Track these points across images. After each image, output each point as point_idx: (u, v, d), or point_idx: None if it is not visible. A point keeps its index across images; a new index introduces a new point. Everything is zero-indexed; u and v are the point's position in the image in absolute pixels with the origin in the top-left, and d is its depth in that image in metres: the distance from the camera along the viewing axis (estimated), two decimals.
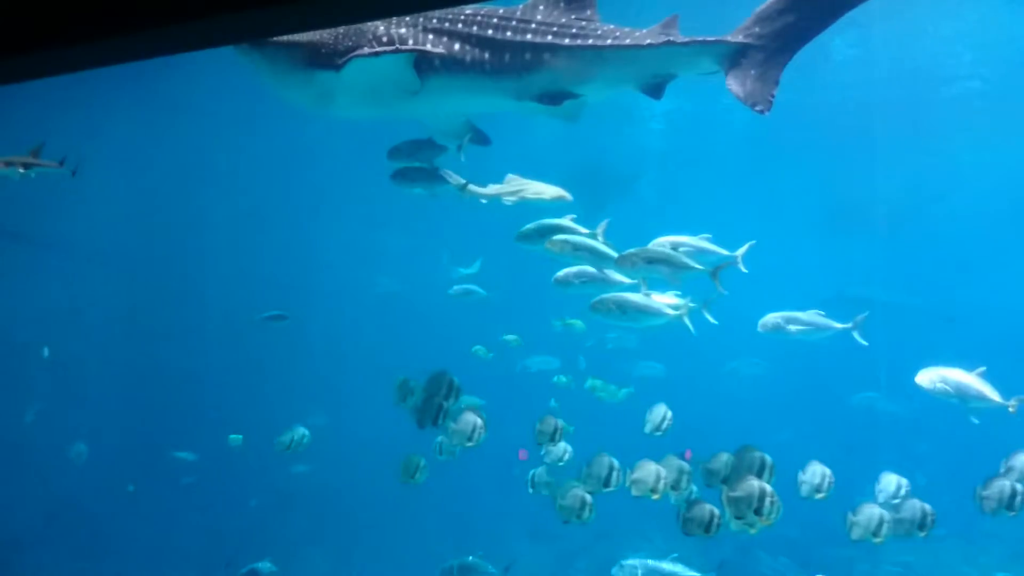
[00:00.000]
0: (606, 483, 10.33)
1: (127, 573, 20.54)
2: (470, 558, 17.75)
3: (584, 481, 10.40)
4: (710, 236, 12.52)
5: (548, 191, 12.04)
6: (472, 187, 11.72)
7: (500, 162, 22.64)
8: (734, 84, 10.06)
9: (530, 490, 13.00)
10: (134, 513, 21.92)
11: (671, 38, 10.24)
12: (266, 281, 26.91)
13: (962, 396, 11.99)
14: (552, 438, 11.21)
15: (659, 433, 11.83)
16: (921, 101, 22.42)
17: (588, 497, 10.34)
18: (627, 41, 10.30)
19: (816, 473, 10.45)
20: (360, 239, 26.98)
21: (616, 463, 10.34)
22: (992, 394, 11.89)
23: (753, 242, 12.54)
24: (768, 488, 9.36)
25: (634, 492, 10.23)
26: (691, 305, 12.06)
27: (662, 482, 10.10)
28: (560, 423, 11.15)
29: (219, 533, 21.67)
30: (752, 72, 10.07)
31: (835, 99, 22.34)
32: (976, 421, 12.13)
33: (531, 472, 13.00)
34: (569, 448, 12.31)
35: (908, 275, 28.13)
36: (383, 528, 22.16)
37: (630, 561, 15.68)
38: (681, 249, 11.86)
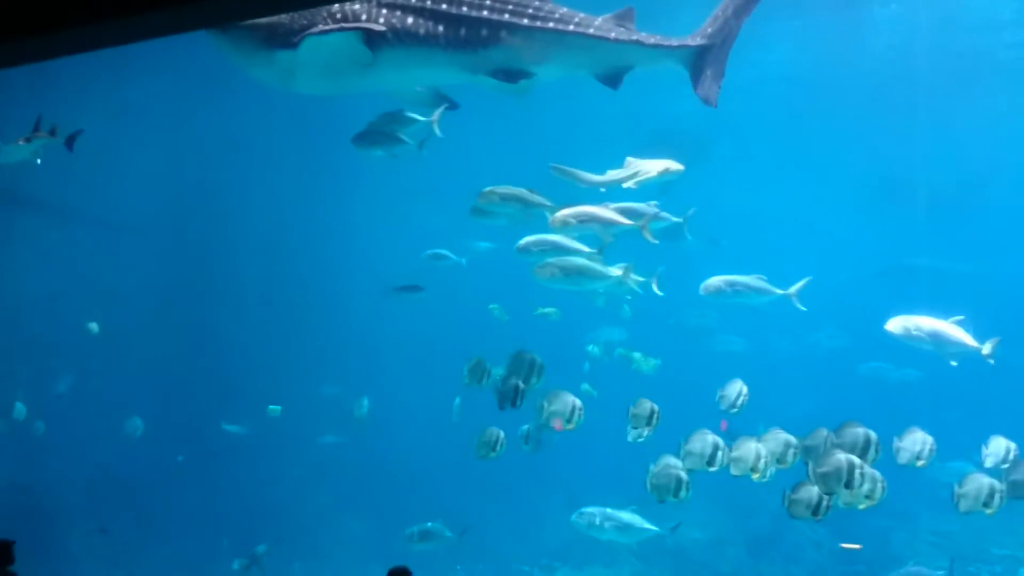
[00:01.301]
0: (710, 462, 9.91)
1: (168, 543, 20.87)
2: (429, 524, 17.83)
3: (684, 459, 9.98)
4: (765, 277, 13.11)
5: (655, 167, 12.13)
6: (588, 175, 11.93)
7: (574, 130, 22.65)
8: (699, 89, 10.67)
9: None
10: (174, 484, 22.25)
11: (639, 38, 10.60)
12: (301, 255, 27.07)
13: (936, 342, 12.03)
14: (649, 422, 10.67)
15: (735, 410, 11.33)
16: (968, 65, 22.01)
17: (684, 475, 9.96)
18: (591, 30, 10.54)
19: (916, 440, 10.00)
20: (394, 211, 26.98)
21: (721, 441, 9.93)
22: (967, 339, 11.98)
23: (809, 278, 13.13)
24: (856, 460, 9.03)
25: (733, 471, 9.86)
26: (633, 275, 12.12)
27: (763, 461, 9.68)
28: (656, 406, 10.71)
29: (256, 503, 21.96)
30: (707, 72, 10.59)
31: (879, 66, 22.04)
32: (954, 364, 12.13)
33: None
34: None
35: (961, 244, 27.61)
36: (419, 496, 22.36)
37: (589, 509, 15.47)
38: (732, 288, 12.40)
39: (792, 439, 9.71)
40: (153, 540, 20.82)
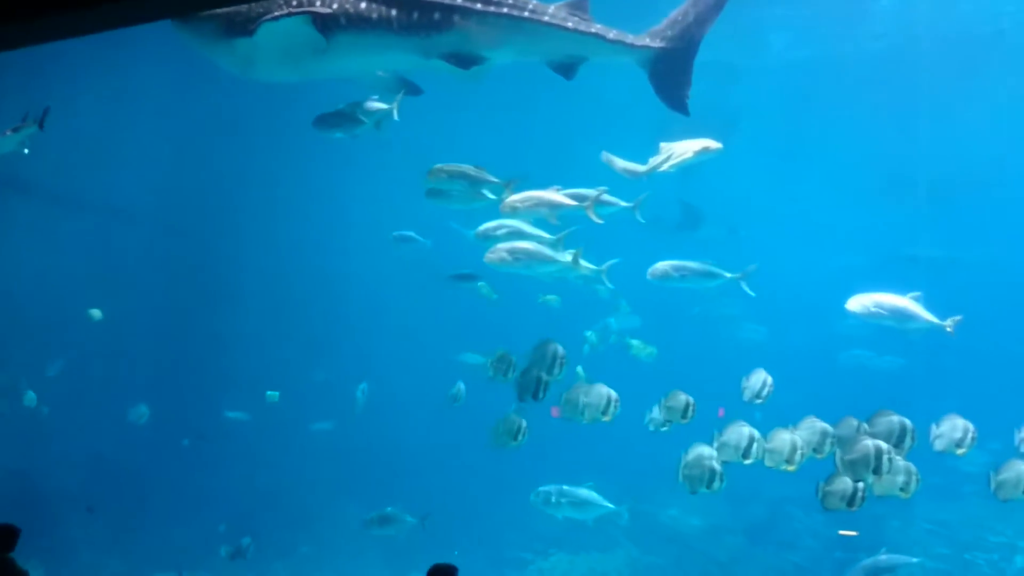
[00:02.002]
0: (745, 454, 9.68)
1: (166, 529, 20.93)
2: (388, 509, 17.89)
3: (719, 450, 9.76)
4: (711, 262, 13.07)
5: (692, 147, 12.14)
6: (634, 166, 11.94)
7: (598, 117, 22.52)
8: (661, 94, 10.78)
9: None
10: (172, 469, 22.28)
11: (598, 31, 10.61)
12: (302, 242, 27.03)
13: (898, 319, 12.09)
14: (684, 414, 10.43)
15: (759, 401, 10.92)
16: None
17: (718, 467, 9.73)
18: (545, 18, 10.51)
19: (956, 427, 9.72)
20: (394, 196, 26.98)
21: (756, 433, 9.72)
22: (927, 315, 12.02)
23: (754, 266, 13.13)
24: (884, 446, 8.87)
25: (768, 463, 9.63)
26: (583, 261, 12.19)
27: (799, 453, 9.42)
28: (691, 399, 10.49)
29: (256, 489, 22.01)
30: (670, 78, 10.69)
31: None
32: (919, 335, 12.24)
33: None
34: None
35: (964, 234, 27.56)
36: (416, 481, 22.42)
37: (546, 487, 15.46)
38: (680, 273, 12.85)
39: (829, 428, 9.46)
40: (151, 525, 20.88)
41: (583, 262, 12.27)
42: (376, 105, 12.02)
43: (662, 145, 12.29)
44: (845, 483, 9.04)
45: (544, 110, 23.13)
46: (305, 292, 26.62)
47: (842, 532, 17.81)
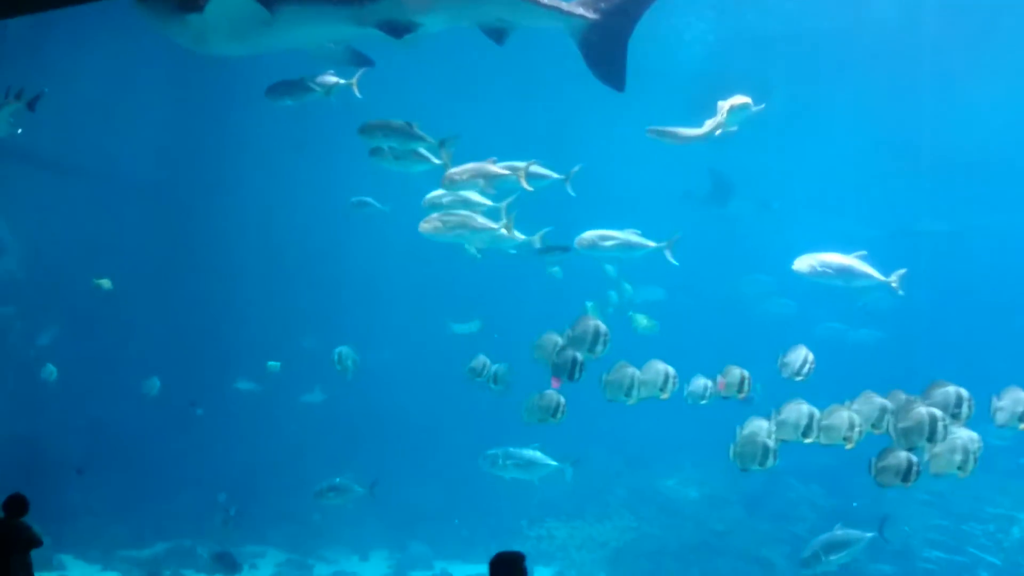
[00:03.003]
0: (805, 433, 9.43)
1: (166, 497, 21.05)
2: (338, 480, 18.06)
3: (778, 428, 9.57)
4: (639, 231, 13.02)
5: (724, 106, 12.08)
6: (686, 131, 11.89)
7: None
8: (592, 67, 10.84)
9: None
10: (173, 438, 22.36)
11: None
12: (302, 213, 26.96)
13: (844, 277, 12.17)
14: (740, 389, 10.31)
15: (799, 379, 10.53)
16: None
17: (772, 443, 9.59)
18: None
19: (1019, 400, 9.39)
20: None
21: (816, 411, 9.49)
22: (873, 272, 12.15)
23: (678, 235, 13.14)
24: (938, 413, 8.74)
25: (824, 440, 9.35)
26: (515, 231, 12.20)
27: (857, 429, 9.19)
28: (747, 373, 10.30)
29: (256, 458, 22.10)
30: (602, 51, 10.67)
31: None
32: (862, 304, 12.36)
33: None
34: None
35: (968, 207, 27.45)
36: (414, 453, 22.52)
37: (492, 450, 15.53)
38: (608, 243, 12.70)
39: (887, 403, 9.22)
40: (152, 493, 20.99)
41: (515, 232, 12.24)
42: (334, 80, 12.16)
43: (719, 104, 12.14)
44: (899, 458, 8.89)
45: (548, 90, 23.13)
46: (301, 262, 26.59)
47: (855, 504, 17.83)
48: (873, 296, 25.51)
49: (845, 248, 13.33)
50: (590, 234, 13.07)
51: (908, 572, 17.08)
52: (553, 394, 10.79)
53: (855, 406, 9.33)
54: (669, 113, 13.47)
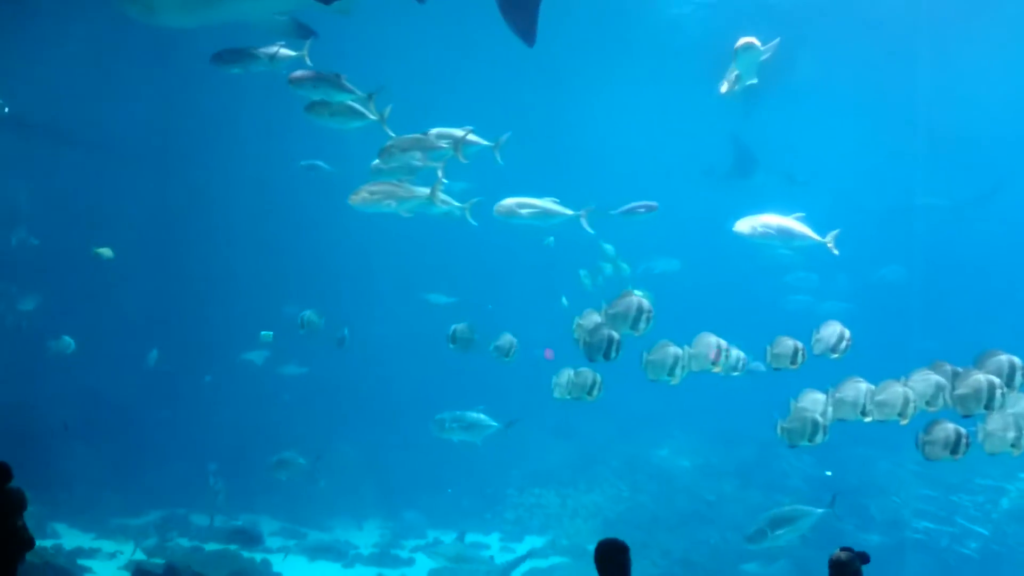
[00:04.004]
0: (864, 412, 9.28)
1: (162, 464, 21.10)
2: (285, 454, 18.38)
3: (836, 407, 9.43)
4: (558, 200, 12.99)
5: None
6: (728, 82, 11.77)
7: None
8: (508, 18, 10.72)
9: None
10: (167, 408, 22.42)
11: None
12: (296, 184, 26.84)
13: (783, 237, 12.34)
14: (793, 360, 9.87)
15: (835, 356, 10.19)
16: None
17: (821, 420, 9.45)
18: None
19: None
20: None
21: (873, 389, 9.33)
22: (810, 233, 12.26)
23: (593, 206, 13.22)
24: (996, 381, 8.62)
25: (877, 416, 9.23)
26: (442, 196, 12.19)
27: (911, 405, 9.03)
28: (800, 344, 9.93)
29: (247, 428, 22.13)
30: (518, 5, 10.57)
31: None
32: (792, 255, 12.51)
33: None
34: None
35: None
36: (410, 426, 22.58)
37: (440, 415, 15.64)
38: (526, 211, 12.70)
39: (944, 381, 9.04)
40: (147, 462, 21.05)
41: (444, 196, 12.21)
42: (286, 52, 12.16)
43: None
44: (947, 431, 8.79)
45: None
46: (294, 235, 26.54)
47: (829, 473, 18.01)
48: (889, 270, 25.73)
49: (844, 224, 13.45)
50: (508, 201, 12.99)
51: (897, 542, 17.18)
52: (589, 372, 10.44)
53: (910, 382, 9.18)
54: (685, 85, 13.39)
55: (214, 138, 25.10)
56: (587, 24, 22.52)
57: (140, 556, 16.69)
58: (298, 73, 11.59)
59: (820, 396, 9.67)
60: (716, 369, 9.89)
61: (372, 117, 11.69)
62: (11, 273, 22.64)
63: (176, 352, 22.57)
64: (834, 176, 26.65)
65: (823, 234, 12.63)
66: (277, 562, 17.25)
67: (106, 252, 20.00)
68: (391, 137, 11.77)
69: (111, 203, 24.32)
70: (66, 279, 22.71)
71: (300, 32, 12.62)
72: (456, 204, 12.29)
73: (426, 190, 12.10)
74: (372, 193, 11.93)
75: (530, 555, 18.87)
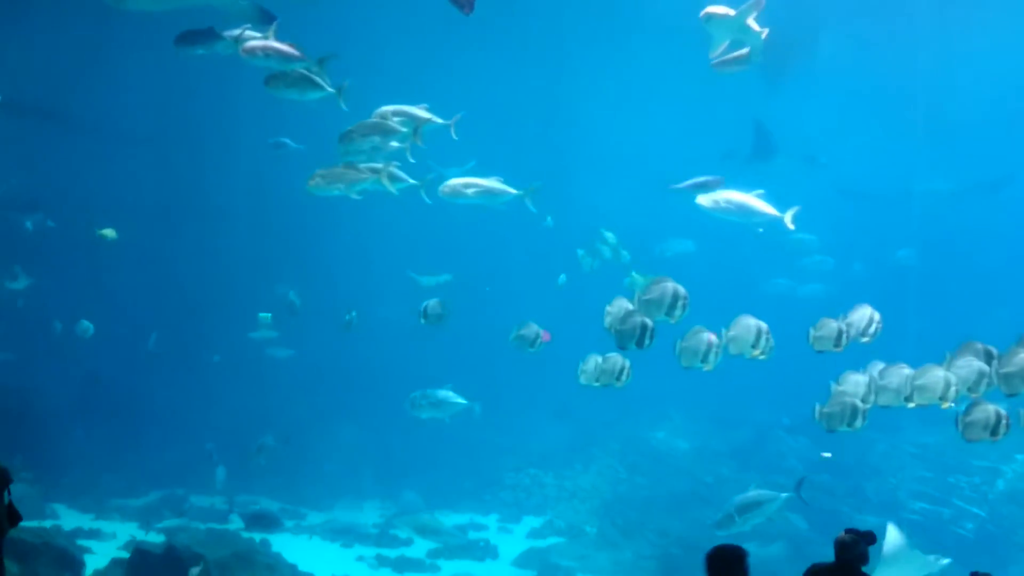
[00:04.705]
0: (908, 397, 9.15)
1: (160, 446, 21.15)
2: (266, 439, 18.72)
3: (879, 394, 9.29)
4: (502, 178, 12.97)
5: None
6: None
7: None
8: None
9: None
10: (165, 390, 22.44)
11: None
12: (294, 163, 26.75)
13: (743, 213, 12.47)
14: (837, 343, 9.70)
15: (865, 340, 9.97)
16: None
17: (860, 405, 9.33)
18: None
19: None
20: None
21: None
22: (769, 209, 12.42)
23: (539, 183, 13.10)
24: None
25: (918, 400, 9.11)
26: (395, 174, 12.13)
27: (952, 389, 8.91)
28: (844, 326, 9.79)
29: (246, 409, 22.16)
30: None
31: None
32: (761, 230, 12.63)
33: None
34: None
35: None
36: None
37: (413, 393, 15.80)
38: (471, 190, 12.73)
39: (986, 367, 8.90)
40: (145, 443, 21.09)
41: (399, 174, 12.18)
42: (251, 34, 12.07)
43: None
44: (987, 412, 8.74)
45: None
46: (291, 215, 26.47)
47: (823, 455, 18.03)
48: (904, 253, 25.68)
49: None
50: (454, 182, 12.98)
51: (894, 523, 17.22)
52: (617, 357, 10.28)
53: (952, 367, 9.06)
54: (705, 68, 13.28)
55: (211, 121, 25.02)
56: (606, 6, 22.53)
57: (143, 536, 16.75)
58: (249, 43, 11.58)
59: (861, 378, 9.53)
60: (756, 353, 9.66)
61: (328, 89, 11.63)
62: (22, 256, 22.59)
63: (174, 334, 22.59)
64: (851, 159, 26.64)
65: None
66: (276, 542, 17.32)
67: (109, 233, 19.96)
68: (343, 109, 11.75)
69: (108, 185, 24.24)
70: (64, 261, 22.70)
71: (260, 17, 12.66)
72: (411, 181, 12.25)
73: (377, 168, 12.07)
74: (326, 177, 11.97)
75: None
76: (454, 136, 12.40)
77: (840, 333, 9.66)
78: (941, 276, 25.04)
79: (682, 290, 9.65)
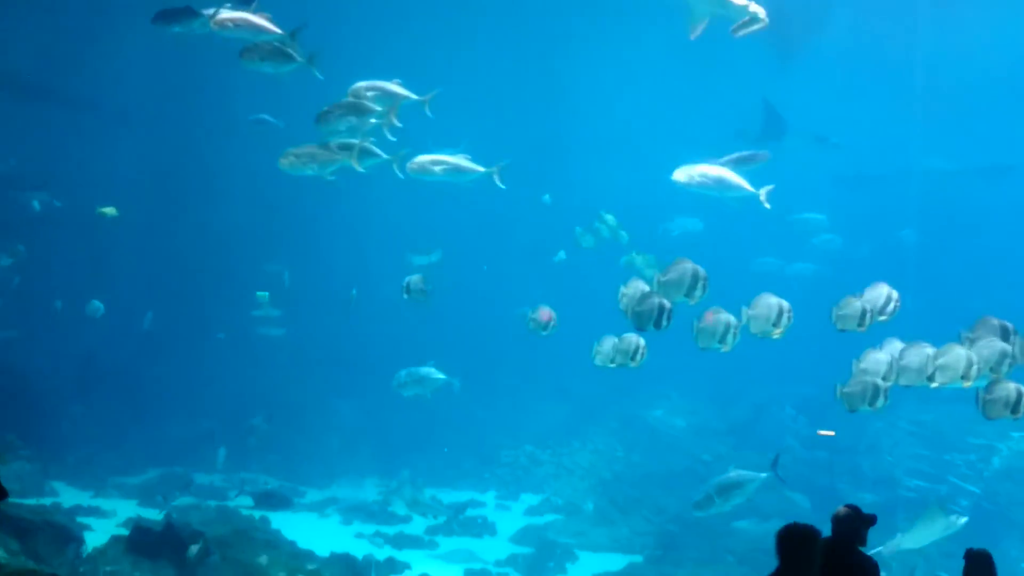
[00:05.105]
0: (931, 377, 9.08)
1: (160, 424, 21.20)
2: (255, 420, 19.28)
3: (901, 374, 9.23)
4: (469, 156, 12.97)
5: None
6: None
7: None
8: None
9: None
10: (162, 365, 22.46)
11: None
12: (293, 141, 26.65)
13: (720, 187, 12.40)
14: (861, 322, 9.51)
15: (883, 318, 9.78)
16: None
17: (882, 384, 9.26)
18: None
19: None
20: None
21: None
22: (744, 184, 12.38)
23: (507, 161, 12.96)
24: None
25: (940, 379, 9.05)
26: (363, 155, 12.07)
27: (974, 368, 8.87)
28: (868, 306, 9.58)
29: (245, 388, 22.21)
30: None
31: None
32: (768, 206, 12.66)
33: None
34: None
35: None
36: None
37: (398, 372, 15.91)
38: (439, 168, 12.66)
39: (1007, 347, 8.88)
40: (145, 421, 21.14)
41: (373, 148, 12.17)
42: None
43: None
44: (1008, 390, 8.73)
45: None
46: (290, 194, 26.42)
47: (821, 432, 18.12)
48: (908, 232, 25.62)
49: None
50: (422, 159, 12.95)
51: (890, 500, 17.30)
52: (633, 336, 10.20)
53: (975, 346, 9.02)
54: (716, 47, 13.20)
55: (209, 99, 24.92)
56: None
57: (158, 513, 16.80)
58: (220, 15, 11.61)
59: (883, 356, 9.47)
60: (776, 333, 9.55)
61: (299, 59, 11.67)
62: (19, 234, 22.58)
63: (173, 313, 22.60)
64: (861, 138, 26.53)
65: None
66: (275, 519, 17.39)
67: (110, 211, 19.94)
68: (318, 77, 11.78)
69: (104, 164, 24.19)
70: (61, 239, 22.68)
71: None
72: (384, 156, 12.24)
73: (351, 144, 12.05)
74: (297, 156, 12.00)
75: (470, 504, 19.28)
76: (428, 113, 12.39)
77: (864, 312, 9.51)
78: (944, 256, 24.96)
79: (702, 271, 9.58)
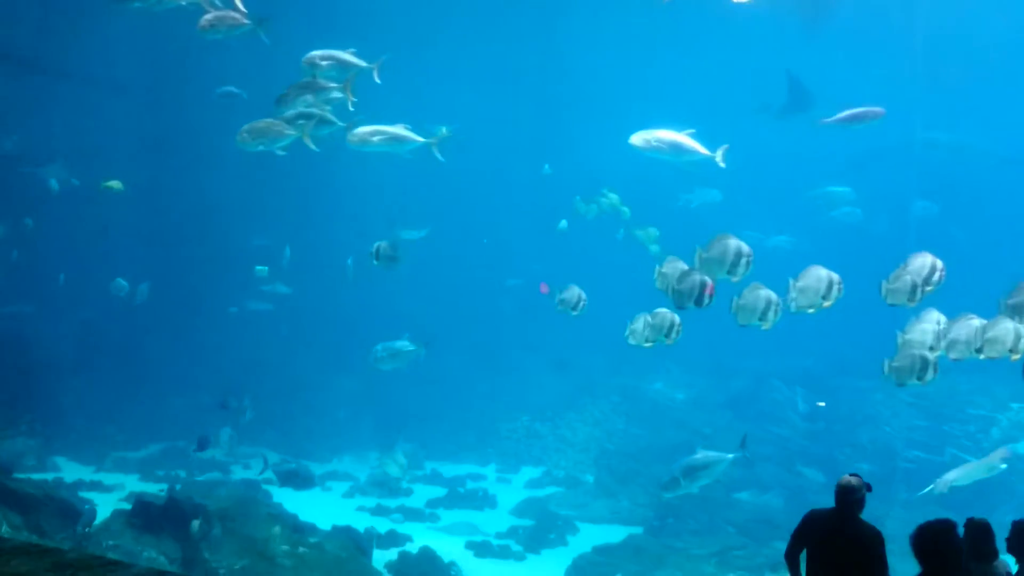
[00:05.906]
0: (980, 349, 8.95)
1: (160, 398, 21.23)
2: (247, 401, 18.97)
3: (949, 348, 9.10)
4: (409, 126, 12.90)
5: None
6: None
7: None
8: None
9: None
10: (165, 343, 22.45)
11: None
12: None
13: (675, 152, 12.45)
14: (912, 297, 9.24)
15: (929, 288, 9.47)
16: None
17: (931, 356, 9.08)
18: None
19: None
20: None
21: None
22: (700, 148, 12.42)
23: (446, 130, 13.29)
24: None
25: (988, 352, 8.93)
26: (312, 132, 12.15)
27: (1023, 341, 8.79)
28: (918, 281, 9.31)
29: (248, 362, 22.20)
30: None
31: None
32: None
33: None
34: None
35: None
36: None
37: (375, 347, 16.15)
38: (378, 138, 12.58)
39: None
40: (144, 395, 21.17)
41: (329, 115, 12.21)
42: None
43: None
44: None
45: None
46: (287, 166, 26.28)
47: (820, 404, 18.16)
48: (920, 205, 25.44)
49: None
50: (362, 130, 12.92)
51: (889, 471, 17.36)
52: (667, 312, 10.06)
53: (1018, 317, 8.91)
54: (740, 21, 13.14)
55: (203, 70, 24.78)
56: None
57: (147, 487, 16.89)
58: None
59: (928, 327, 9.30)
60: (826, 305, 9.36)
61: (246, 22, 11.99)
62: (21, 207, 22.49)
63: (173, 287, 22.54)
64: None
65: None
66: (277, 492, 17.47)
67: (115, 185, 19.87)
68: (265, 42, 12.17)
69: (101, 137, 24.04)
70: (60, 212, 22.60)
71: None
72: (340, 123, 12.23)
73: (310, 113, 12.05)
74: (252, 132, 12.10)
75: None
76: (377, 79, 12.41)
77: (915, 286, 9.26)
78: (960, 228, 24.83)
79: (745, 247, 9.45)
